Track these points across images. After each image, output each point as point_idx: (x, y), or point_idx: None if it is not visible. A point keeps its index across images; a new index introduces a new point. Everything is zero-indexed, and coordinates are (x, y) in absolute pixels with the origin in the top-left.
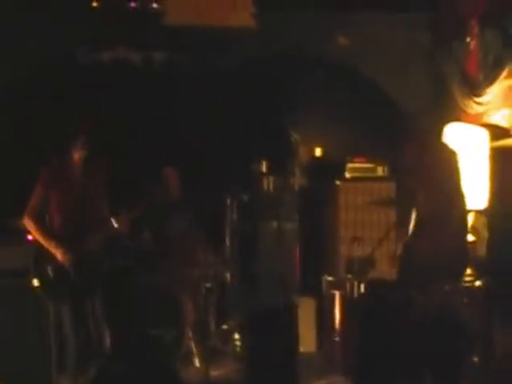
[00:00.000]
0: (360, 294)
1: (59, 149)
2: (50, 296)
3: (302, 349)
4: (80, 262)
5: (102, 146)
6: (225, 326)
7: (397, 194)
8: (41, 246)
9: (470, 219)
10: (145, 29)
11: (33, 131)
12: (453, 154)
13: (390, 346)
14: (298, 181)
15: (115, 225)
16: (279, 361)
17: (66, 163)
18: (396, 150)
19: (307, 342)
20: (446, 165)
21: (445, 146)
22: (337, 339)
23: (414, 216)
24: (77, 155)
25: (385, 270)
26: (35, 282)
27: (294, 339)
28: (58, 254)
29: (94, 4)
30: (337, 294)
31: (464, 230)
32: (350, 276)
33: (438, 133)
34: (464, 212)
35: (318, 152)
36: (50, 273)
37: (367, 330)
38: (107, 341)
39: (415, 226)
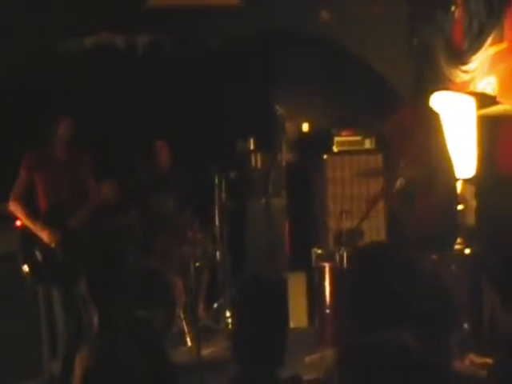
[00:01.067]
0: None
1: (42, 133)
2: (40, 279)
3: (292, 324)
4: (67, 243)
5: (85, 127)
6: (216, 305)
7: (384, 164)
8: (28, 230)
9: (458, 188)
10: (128, 11)
11: (15, 118)
12: (437, 119)
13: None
14: (285, 156)
15: (104, 191)
16: (270, 337)
17: (49, 146)
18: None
19: (298, 317)
20: (429, 132)
21: (429, 112)
22: (328, 312)
23: (399, 184)
24: (59, 138)
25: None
26: (25, 268)
27: (285, 314)
28: (44, 236)
29: None
30: (326, 266)
31: (452, 198)
32: (338, 248)
33: (423, 101)
34: (451, 180)
35: (304, 127)
36: (39, 256)
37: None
38: (95, 322)
39: (402, 194)
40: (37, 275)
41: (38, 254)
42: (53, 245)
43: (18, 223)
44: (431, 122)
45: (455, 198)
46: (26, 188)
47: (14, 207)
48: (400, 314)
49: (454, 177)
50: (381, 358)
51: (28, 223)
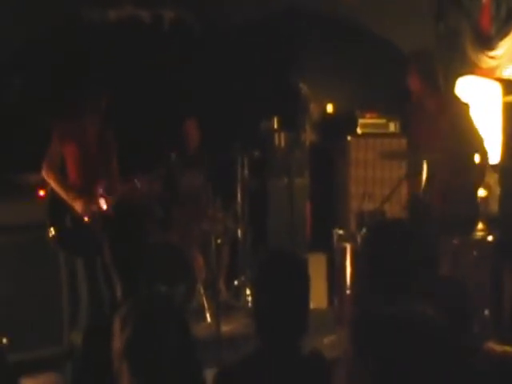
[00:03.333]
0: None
1: (71, 105)
2: (67, 246)
3: (312, 305)
4: (98, 216)
5: (115, 107)
6: (236, 282)
7: (408, 146)
8: (58, 197)
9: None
10: None
11: (41, 90)
12: (465, 106)
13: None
14: (308, 137)
15: (138, 185)
16: (288, 317)
17: (83, 120)
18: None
19: (318, 298)
20: (458, 117)
21: (454, 96)
22: (348, 292)
23: (425, 168)
24: (95, 113)
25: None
26: (52, 231)
27: (305, 295)
28: (78, 206)
29: None
30: (347, 246)
31: (477, 184)
32: (360, 229)
33: (450, 86)
34: (480, 166)
35: (329, 108)
36: (69, 223)
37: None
38: (119, 291)
39: (426, 178)
40: (64, 241)
41: (68, 220)
42: (86, 216)
43: (42, 193)
44: (457, 105)
45: (480, 183)
46: (59, 157)
47: (47, 175)
48: (416, 286)
49: (486, 160)
50: (400, 327)
51: (61, 192)
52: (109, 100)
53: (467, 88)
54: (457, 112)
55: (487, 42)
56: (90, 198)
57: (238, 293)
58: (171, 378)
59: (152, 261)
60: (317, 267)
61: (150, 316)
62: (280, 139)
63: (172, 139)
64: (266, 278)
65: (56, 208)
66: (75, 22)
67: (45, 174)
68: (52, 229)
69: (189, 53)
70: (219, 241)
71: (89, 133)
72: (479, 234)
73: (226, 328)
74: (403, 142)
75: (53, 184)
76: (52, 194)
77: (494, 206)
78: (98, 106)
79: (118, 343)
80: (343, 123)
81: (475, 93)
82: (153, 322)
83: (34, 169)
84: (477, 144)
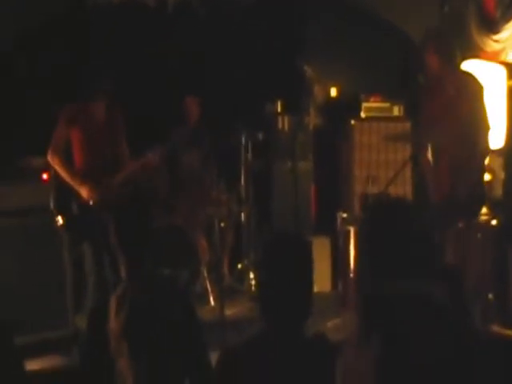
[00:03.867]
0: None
1: (79, 89)
2: (74, 233)
3: (316, 288)
4: (104, 201)
5: (121, 86)
6: (240, 265)
7: (412, 130)
8: (63, 183)
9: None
10: None
11: (45, 73)
12: (479, 88)
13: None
14: (312, 120)
15: (150, 159)
16: (293, 299)
17: (89, 103)
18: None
19: (322, 281)
20: (474, 95)
21: (474, 78)
22: (351, 275)
23: (430, 149)
24: (101, 96)
25: None
26: (59, 220)
27: (309, 277)
28: (84, 192)
29: None
30: (351, 230)
31: (483, 168)
32: (364, 212)
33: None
34: (485, 151)
35: (333, 91)
36: (75, 209)
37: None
38: (123, 272)
39: (434, 154)
40: (71, 228)
41: (74, 206)
42: (91, 202)
43: (45, 176)
44: (473, 84)
45: (484, 167)
46: (64, 142)
47: (52, 160)
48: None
49: (488, 147)
50: (402, 304)
51: (67, 177)
52: (115, 83)
53: (472, 72)
54: (474, 91)
55: (492, 26)
56: (96, 182)
57: (242, 276)
58: (174, 361)
59: (156, 243)
60: (321, 250)
61: (147, 297)
62: (284, 122)
63: (173, 117)
64: (270, 259)
65: (62, 196)
66: (80, 5)
67: (50, 159)
68: (59, 217)
69: (193, 34)
70: (223, 224)
71: (96, 116)
72: (483, 217)
73: (229, 311)
74: (407, 125)
75: (58, 169)
76: (57, 181)
77: (498, 190)
78: (105, 89)
79: (113, 323)
80: (347, 107)
81: (480, 76)
82: (150, 304)
83: (37, 152)
84: (486, 126)
